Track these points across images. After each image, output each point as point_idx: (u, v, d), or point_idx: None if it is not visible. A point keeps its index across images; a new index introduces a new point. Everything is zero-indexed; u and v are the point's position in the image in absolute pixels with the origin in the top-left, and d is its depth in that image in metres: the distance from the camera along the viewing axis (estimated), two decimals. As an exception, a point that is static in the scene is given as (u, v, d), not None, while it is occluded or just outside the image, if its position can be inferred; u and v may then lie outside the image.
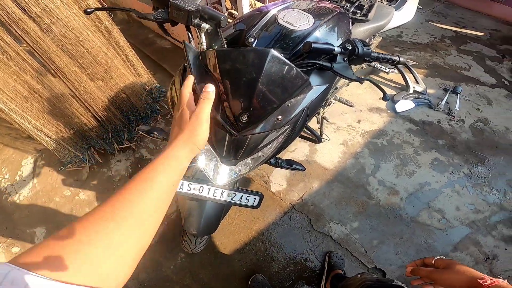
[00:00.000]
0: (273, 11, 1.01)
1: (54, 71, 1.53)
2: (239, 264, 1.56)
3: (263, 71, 0.63)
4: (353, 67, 1.06)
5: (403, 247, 1.62)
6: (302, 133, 1.04)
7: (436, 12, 3.72)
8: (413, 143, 2.11)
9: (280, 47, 0.91)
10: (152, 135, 1.05)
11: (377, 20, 1.47)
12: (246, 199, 0.96)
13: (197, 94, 0.57)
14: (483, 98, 2.48)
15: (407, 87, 2.44)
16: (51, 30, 1.40)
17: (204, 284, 1.50)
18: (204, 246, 1.22)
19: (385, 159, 1.99)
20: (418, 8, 1.89)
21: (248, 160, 0.86)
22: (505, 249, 1.62)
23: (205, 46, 0.75)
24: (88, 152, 1.91)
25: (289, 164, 1.07)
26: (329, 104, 1.77)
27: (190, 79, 0.59)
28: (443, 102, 2.36)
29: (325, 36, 0.97)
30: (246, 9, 1.88)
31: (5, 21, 1.27)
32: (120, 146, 1.99)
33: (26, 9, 1.29)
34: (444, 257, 0.60)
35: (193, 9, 0.69)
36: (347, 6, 1.46)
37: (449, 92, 2.46)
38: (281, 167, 1.06)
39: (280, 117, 0.73)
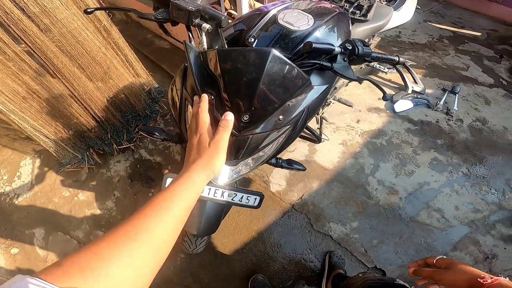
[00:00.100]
0: (273, 11, 1.01)
1: (53, 71, 1.52)
2: (239, 265, 1.55)
3: (265, 71, 0.63)
4: (352, 67, 1.06)
5: (402, 246, 1.62)
6: (302, 133, 1.04)
7: (434, 12, 3.73)
8: (412, 143, 2.11)
9: (280, 47, 0.91)
10: (152, 135, 1.04)
11: (376, 20, 1.47)
12: (247, 199, 0.95)
13: (213, 116, 0.57)
14: (481, 98, 2.49)
15: (405, 87, 2.44)
16: (50, 30, 1.40)
17: (204, 284, 1.50)
18: (204, 246, 1.22)
19: (384, 159, 2.00)
20: (416, 8, 1.90)
21: (249, 160, 0.86)
22: (504, 248, 1.63)
23: (205, 46, 0.75)
24: (87, 152, 1.90)
25: (290, 164, 1.07)
26: (329, 104, 1.78)
27: (206, 101, 0.59)
28: (442, 102, 2.37)
29: (325, 36, 0.98)
30: (245, 9, 1.88)
31: (4, 21, 1.26)
32: (119, 147, 1.99)
33: (25, 9, 1.28)
34: (445, 257, 0.61)
35: (194, 9, 0.69)
36: (346, 6, 1.46)
37: (447, 92, 2.46)
38: (282, 167, 1.06)
39: (281, 117, 0.73)
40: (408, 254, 1.60)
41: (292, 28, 0.93)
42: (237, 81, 0.65)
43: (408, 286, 0.73)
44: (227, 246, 1.61)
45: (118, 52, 1.82)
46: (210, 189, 0.91)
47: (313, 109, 0.85)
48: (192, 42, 0.77)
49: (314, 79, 0.81)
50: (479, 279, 0.50)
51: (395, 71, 2.48)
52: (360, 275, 0.96)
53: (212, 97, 0.68)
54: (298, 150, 2.03)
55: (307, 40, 0.84)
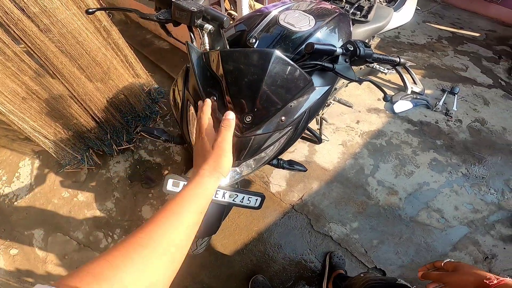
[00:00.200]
0: (274, 12, 1.01)
1: (52, 72, 1.52)
2: (240, 265, 1.55)
3: (267, 72, 0.63)
4: (353, 67, 1.06)
5: (402, 246, 1.63)
6: (303, 134, 1.04)
7: (432, 13, 3.75)
8: (411, 143, 2.12)
9: (281, 48, 0.91)
10: (154, 136, 1.04)
11: (377, 21, 1.48)
12: (248, 200, 0.95)
13: (216, 118, 0.57)
14: (480, 99, 2.51)
15: (405, 87, 2.45)
16: (50, 30, 1.39)
17: (204, 285, 1.50)
18: (205, 247, 1.22)
19: (384, 160, 2.00)
20: (416, 9, 1.90)
21: (251, 161, 0.86)
22: (504, 248, 1.64)
23: (207, 47, 0.75)
24: (87, 153, 1.90)
25: (291, 165, 1.07)
26: (328, 105, 1.78)
27: (208, 104, 0.58)
28: (441, 103, 2.37)
29: (326, 37, 0.98)
30: (245, 10, 1.88)
31: (4, 21, 1.25)
32: (118, 148, 1.98)
33: (25, 9, 1.28)
34: (453, 260, 0.62)
35: (196, 10, 0.69)
36: (347, 7, 1.47)
37: (446, 92, 2.47)
38: (283, 167, 1.06)
39: (283, 118, 0.73)
40: (408, 254, 1.60)
41: (294, 29, 0.93)
42: (239, 82, 0.65)
43: (410, 286, 0.73)
44: (227, 247, 1.60)
45: (118, 53, 1.82)
46: None
47: (314, 110, 0.85)
48: (194, 43, 0.77)
49: (316, 80, 0.81)
50: (485, 280, 0.51)
51: (394, 71, 2.48)
52: (362, 275, 0.96)
53: (214, 98, 0.68)
54: (298, 151, 2.03)
55: (308, 41, 0.84)
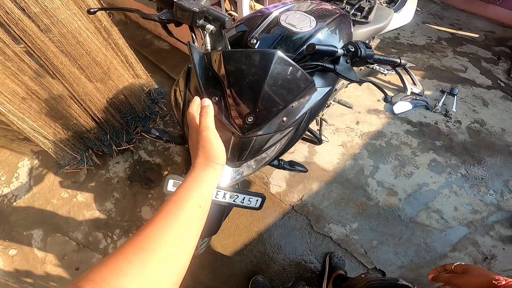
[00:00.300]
0: (275, 13, 1.01)
1: (52, 72, 1.52)
2: (240, 266, 1.55)
3: (269, 72, 0.63)
4: (354, 68, 1.06)
5: (402, 247, 1.63)
6: (303, 135, 1.04)
7: (432, 14, 3.76)
8: (411, 144, 2.12)
9: (282, 48, 0.91)
10: (155, 137, 1.04)
11: (377, 22, 1.48)
12: (249, 200, 0.95)
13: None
14: (479, 100, 2.51)
15: (404, 88, 2.46)
16: (50, 30, 1.39)
17: (204, 285, 1.49)
18: (205, 248, 1.22)
19: (383, 160, 2.01)
20: (416, 10, 1.91)
21: (252, 161, 0.86)
22: (503, 249, 1.64)
23: (209, 47, 0.75)
24: (86, 154, 1.89)
25: (292, 166, 1.07)
26: (328, 106, 1.78)
27: (196, 101, 0.56)
28: (440, 104, 2.38)
29: (327, 38, 0.98)
30: (246, 11, 1.88)
31: (4, 21, 1.25)
32: (118, 148, 1.98)
33: (25, 9, 1.27)
34: (463, 263, 0.63)
35: (198, 10, 0.69)
36: (347, 8, 1.47)
37: (446, 93, 2.48)
38: (284, 168, 1.06)
39: (285, 118, 0.73)
40: (408, 255, 1.60)
41: (295, 29, 0.93)
42: (241, 83, 0.65)
43: (411, 286, 0.73)
44: (227, 248, 1.60)
45: (118, 53, 1.81)
46: None
47: (315, 111, 0.85)
48: (195, 43, 0.77)
49: (317, 81, 0.81)
50: (494, 281, 0.53)
51: (393, 72, 2.50)
52: (363, 275, 0.96)
53: (216, 99, 0.68)
54: (298, 151, 2.03)
55: (310, 42, 0.84)
